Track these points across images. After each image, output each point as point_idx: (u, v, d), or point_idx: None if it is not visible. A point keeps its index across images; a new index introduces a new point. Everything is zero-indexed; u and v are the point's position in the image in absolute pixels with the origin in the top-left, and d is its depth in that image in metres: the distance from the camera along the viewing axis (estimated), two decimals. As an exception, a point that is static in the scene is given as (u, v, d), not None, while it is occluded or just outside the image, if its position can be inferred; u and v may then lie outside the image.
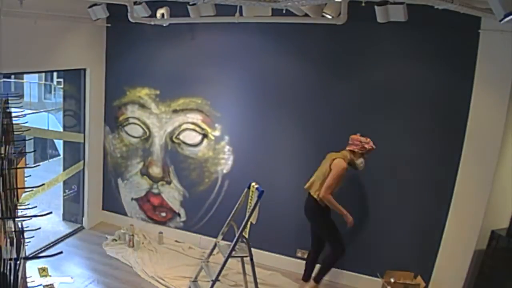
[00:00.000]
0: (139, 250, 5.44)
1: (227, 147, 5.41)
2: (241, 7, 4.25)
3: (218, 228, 4.63)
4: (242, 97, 5.25)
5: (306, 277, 4.74)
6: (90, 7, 4.88)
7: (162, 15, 4.91)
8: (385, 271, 4.46)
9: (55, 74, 13.25)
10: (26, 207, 2.42)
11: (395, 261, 4.56)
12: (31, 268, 4.02)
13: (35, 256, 4.07)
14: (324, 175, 4.35)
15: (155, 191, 5.86)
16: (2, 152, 2.22)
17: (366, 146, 4.36)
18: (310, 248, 4.76)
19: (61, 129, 6.47)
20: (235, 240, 4.19)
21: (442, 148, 4.46)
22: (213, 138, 5.46)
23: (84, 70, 5.66)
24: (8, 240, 1.76)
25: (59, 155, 9.58)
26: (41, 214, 2.04)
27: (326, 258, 4.59)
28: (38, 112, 10.73)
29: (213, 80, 5.34)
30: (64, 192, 6.09)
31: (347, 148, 4.43)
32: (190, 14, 4.51)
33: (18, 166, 2.46)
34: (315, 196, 4.39)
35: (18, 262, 1.60)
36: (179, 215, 5.81)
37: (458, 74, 4.29)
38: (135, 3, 4.50)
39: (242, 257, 4.35)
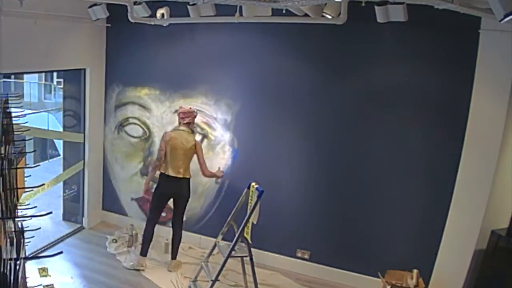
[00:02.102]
0: (138, 250, 5.42)
1: (227, 147, 5.41)
2: (241, 7, 4.25)
3: (218, 228, 4.63)
4: (242, 97, 5.24)
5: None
6: (90, 7, 4.88)
7: (162, 15, 4.91)
8: (386, 271, 4.46)
9: (55, 74, 13.27)
10: (26, 207, 2.41)
11: (395, 261, 4.56)
12: (31, 268, 4.01)
13: (35, 256, 4.07)
14: (191, 157, 4.83)
15: (155, 191, 5.85)
16: (2, 152, 2.22)
17: (195, 114, 4.89)
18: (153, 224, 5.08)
19: (61, 129, 6.47)
20: (235, 240, 4.19)
21: (442, 148, 4.46)
22: (213, 138, 5.46)
23: (84, 70, 5.65)
24: (8, 240, 1.76)
25: (59, 155, 9.58)
26: (41, 214, 2.04)
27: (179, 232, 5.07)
28: (38, 112, 10.73)
29: (213, 80, 5.34)
30: (64, 192, 6.09)
31: (185, 122, 4.81)
32: (190, 14, 4.51)
33: (18, 166, 2.46)
34: (188, 177, 4.89)
35: (18, 262, 1.60)
36: (179, 215, 5.80)
37: (458, 74, 4.30)
38: (135, 3, 4.50)
39: (242, 257, 4.35)
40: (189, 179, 4.92)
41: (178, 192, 4.91)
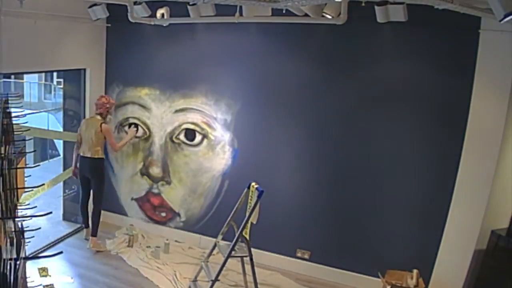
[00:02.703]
0: (138, 250, 5.44)
1: (227, 147, 5.41)
2: (241, 7, 4.26)
3: (218, 228, 4.63)
4: (242, 97, 5.25)
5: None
6: (90, 7, 4.89)
7: (162, 15, 4.92)
8: (386, 271, 4.46)
9: (55, 74, 13.27)
10: (26, 207, 2.41)
11: (395, 261, 4.56)
12: (31, 268, 4.02)
13: (35, 256, 4.08)
14: (100, 140, 5.27)
15: (155, 191, 5.86)
16: (2, 152, 2.22)
17: (107, 106, 5.31)
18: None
19: (61, 129, 6.47)
20: (235, 240, 4.19)
21: (442, 148, 4.46)
22: (213, 138, 5.46)
23: (84, 70, 5.66)
24: (8, 240, 1.76)
25: (59, 155, 9.58)
26: (41, 214, 2.04)
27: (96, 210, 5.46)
28: (38, 112, 10.74)
29: (213, 80, 5.34)
30: (64, 192, 6.09)
31: (97, 112, 5.29)
32: (190, 14, 4.52)
33: (18, 166, 2.46)
34: (97, 157, 5.30)
35: (18, 262, 1.60)
36: (179, 215, 5.81)
37: (458, 74, 4.29)
38: (135, 3, 4.51)
39: (242, 257, 4.35)
40: (101, 159, 5.36)
41: (90, 170, 5.35)
